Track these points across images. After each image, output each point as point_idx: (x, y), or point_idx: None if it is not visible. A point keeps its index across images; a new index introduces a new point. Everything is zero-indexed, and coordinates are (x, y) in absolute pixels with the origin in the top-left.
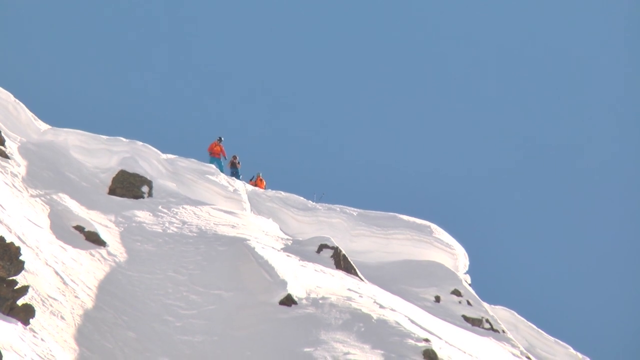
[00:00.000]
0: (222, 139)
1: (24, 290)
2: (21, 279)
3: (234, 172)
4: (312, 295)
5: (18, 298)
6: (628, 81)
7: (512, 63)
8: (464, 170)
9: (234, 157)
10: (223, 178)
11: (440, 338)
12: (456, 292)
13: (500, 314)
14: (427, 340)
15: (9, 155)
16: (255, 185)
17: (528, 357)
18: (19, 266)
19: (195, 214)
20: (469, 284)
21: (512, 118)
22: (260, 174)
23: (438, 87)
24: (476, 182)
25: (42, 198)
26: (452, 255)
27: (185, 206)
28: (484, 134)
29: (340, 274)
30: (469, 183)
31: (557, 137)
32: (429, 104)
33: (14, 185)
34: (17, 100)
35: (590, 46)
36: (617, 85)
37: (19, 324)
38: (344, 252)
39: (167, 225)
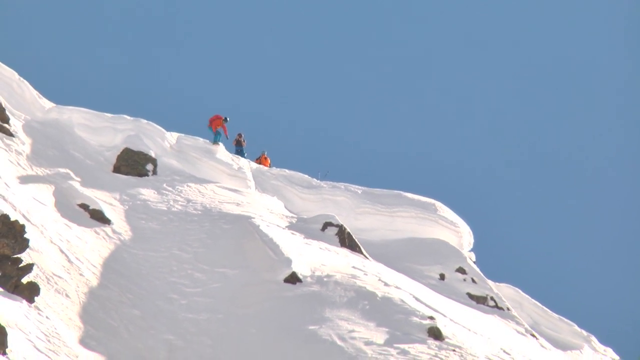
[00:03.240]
0: (228, 119)
1: (29, 268)
2: (26, 257)
3: (239, 150)
4: (317, 273)
5: (23, 276)
6: (630, 76)
7: (516, 59)
8: (469, 155)
9: (239, 135)
10: (229, 156)
11: (444, 315)
12: (461, 270)
13: (504, 292)
14: (431, 317)
15: (13, 133)
16: (260, 163)
17: (533, 335)
18: (23, 244)
19: (199, 192)
20: (474, 262)
21: (513, 109)
22: (265, 152)
23: (440, 82)
24: (482, 164)
25: (47, 176)
26: (456, 233)
27: (189, 184)
28: (488, 122)
29: (345, 251)
30: (474, 165)
31: (556, 132)
32: (435, 93)
33: (18, 164)
34: (22, 78)
35: (592, 43)
36: (618, 81)
37: (24, 302)
38: (348, 230)
39: (171, 203)
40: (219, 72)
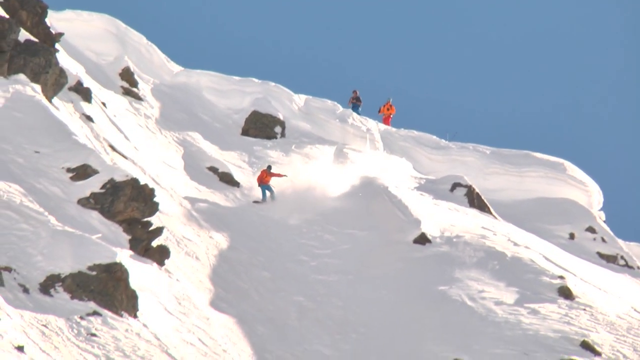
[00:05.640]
0: (271, 165)
1: (159, 231)
2: (156, 220)
3: (354, 107)
4: (446, 234)
5: (153, 239)
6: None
7: None
8: (599, 108)
9: (355, 92)
10: (357, 118)
11: (574, 275)
12: (590, 229)
13: (635, 251)
14: (561, 277)
15: (142, 97)
16: (387, 109)
17: None
18: (153, 207)
19: (326, 154)
20: (604, 221)
21: None
22: (391, 100)
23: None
24: (608, 119)
25: (176, 139)
26: (586, 192)
27: (317, 146)
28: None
29: (474, 212)
30: (602, 120)
31: None
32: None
33: (147, 127)
34: (150, 43)
35: None
36: None
37: (154, 264)
38: (477, 190)
39: (299, 165)
40: (347, 35)
